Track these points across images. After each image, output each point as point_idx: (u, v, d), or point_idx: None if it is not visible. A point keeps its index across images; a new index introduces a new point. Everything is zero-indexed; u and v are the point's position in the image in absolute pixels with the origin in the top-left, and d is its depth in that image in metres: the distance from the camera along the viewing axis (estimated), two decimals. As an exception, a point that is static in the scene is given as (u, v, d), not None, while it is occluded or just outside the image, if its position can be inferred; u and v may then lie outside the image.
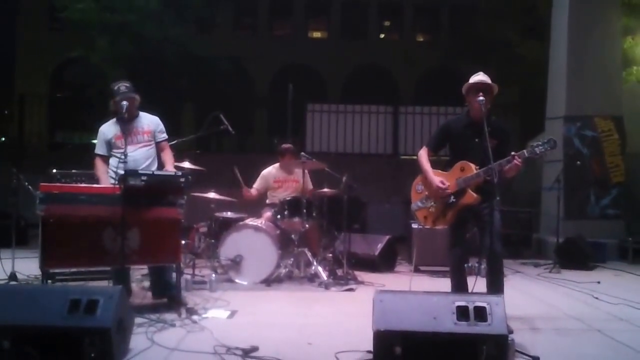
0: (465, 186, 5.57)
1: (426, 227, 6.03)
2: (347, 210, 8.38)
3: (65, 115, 25.98)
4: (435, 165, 5.92)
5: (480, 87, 5.69)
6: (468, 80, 5.86)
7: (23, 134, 19.40)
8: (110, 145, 6.50)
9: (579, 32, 11.62)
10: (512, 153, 5.41)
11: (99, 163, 6.54)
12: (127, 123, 6.47)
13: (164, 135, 6.74)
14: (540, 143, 5.44)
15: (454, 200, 5.63)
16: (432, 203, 5.79)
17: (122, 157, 5.89)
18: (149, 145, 6.62)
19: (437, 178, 5.72)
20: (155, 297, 6.59)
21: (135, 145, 6.50)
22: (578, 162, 11.23)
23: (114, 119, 6.58)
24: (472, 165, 5.55)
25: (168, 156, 6.68)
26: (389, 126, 15.99)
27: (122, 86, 6.49)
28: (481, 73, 5.86)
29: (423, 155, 5.96)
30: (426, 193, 5.85)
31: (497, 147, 5.45)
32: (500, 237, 5.55)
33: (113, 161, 6.41)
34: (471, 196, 5.55)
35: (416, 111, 16.00)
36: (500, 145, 5.54)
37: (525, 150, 5.45)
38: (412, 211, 6.02)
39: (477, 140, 5.55)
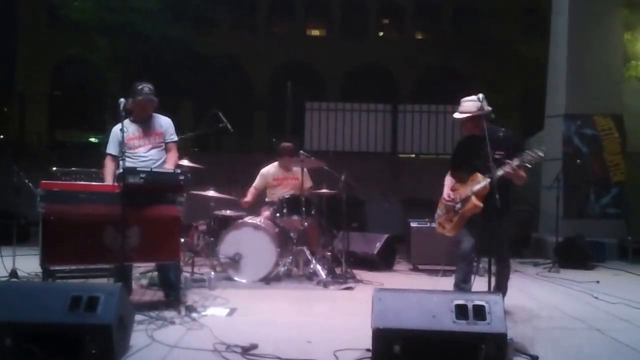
0: (471, 194, 5.84)
1: (443, 233, 6.31)
2: (345, 209, 8.39)
3: (65, 114, 25.98)
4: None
5: (462, 120, 6.08)
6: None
7: (23, 132, 19.40)
8: (122, 145, 6.47)
9: (579, 29, 11.61)
10: (506, 161, 5.70)
11: (108, 162, 6.53)
12: (141, 124, 6.56)
13: (174, 137, 6.76)
14: (530, 152, 5.64)
15: (459, 208, 5.97)
16: (445, 211, 6.19)
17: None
18: (160, 146, 6.65)
19: (446, 190, 6.19)
20: (167, 297, 6.46)
21: (148, 146, 6.56)
22: (578, 161, 11.22)
23: (128, 120, 6.57)
24: (480, 176, 5.81)
25: (172, 156, 6.68)
26: (388, 125, 15.96)
27: (146, 87, 6.51)
28: (464, 102, 6.06)
29: (447, 177, 6.39)
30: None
31: (505, 158, 5.75)
32: (507, 243, 6.07)
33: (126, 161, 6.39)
34: (473, 204, 5.78)
35: (415, 110, 15.97)
36: (507, 156, 5.79)
37: (516, 158, 5.68)
38: (435, 219, 6.46)
39: (482, 154, 5.71)
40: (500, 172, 5.64)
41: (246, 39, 27.76)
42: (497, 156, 5.68)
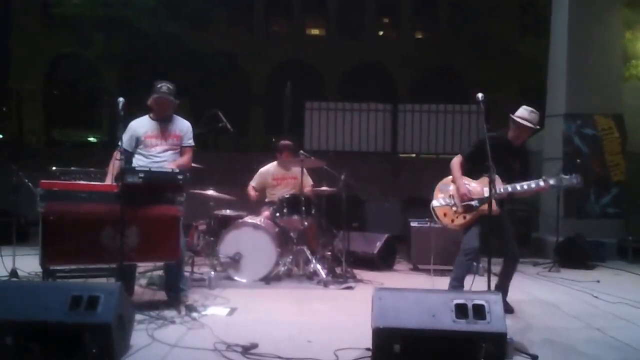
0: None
1: (442, 223, 6.33)
2: (345, 209, 8.39)
3: (62, 112, 25.93)
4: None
5: (525, 128, 6.16)
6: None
7: (22, 131, 19.37)
8: (137, 142, 6.45)
9: (579, 28, 11.58)
10: (543, 177, 5.94)
11: (117, 155, 6.33)
12: (162, 123, 6.51)
13: (191, 142, 6.69)
14: (568, 177, 5.88)
15: (477, 205, 6.02)
16: (455, 202, 6.19)
17: (122, 156, 5.90)
18: (177, 149, 6.58)
19: (465, 186, 6.17)
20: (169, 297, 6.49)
21: (164, 146, 6.49)
22: (578, 161, 11.18)
23: (148, 116, 6.56)
24: (500, 180, 5.84)
25: (181, 159, 6.57)
26: (387, 124, 15.91)
27: (164, 86, 6.48)
28: (531, 111, 6.21)
29: (456, 162, 6.38)
30: (451, 193, 6.25)
31: (520, 167, 6.10)
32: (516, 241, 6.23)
33: (136, 159, 6.38)
34: (495, 208, 5.74)
35: (415, 109, 15.93)
36: (521, 165, 6.13)
37: (554, 178, 5.92)
38: (432, 207, 6.36)
39: (507, 159, 5.93)
40: (533, 185, 5.89)
41: (244, 38, 27.77)
42: (516, 166, 6.02)
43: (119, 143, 6.21)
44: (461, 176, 6.25)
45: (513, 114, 6.19)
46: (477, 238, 6.06)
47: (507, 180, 5.94)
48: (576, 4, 11.66)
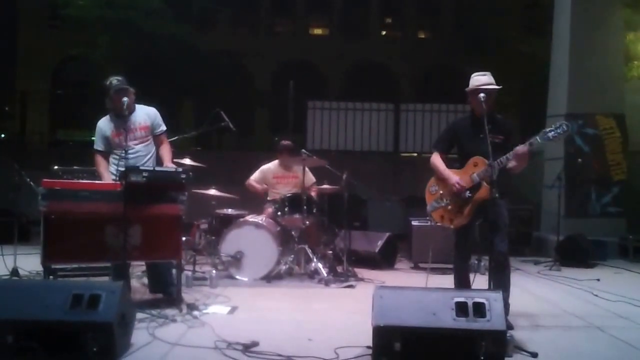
0: (480, 180, 5.58)
1: (444, 225, 5.98)
2: (347, 208, 8.39)
3: (66, 112, 25.96)
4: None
5: (483, 91, 5.72)
6: (471, 77, 5.95)
7: (24, 131, 19.40)
8: (108, 141, 6.37)
9: (581, 29, 11.57)
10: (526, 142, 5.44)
11: (99, 159, 6.40)
12: (123, 119, 6.18)
13: (163, 128, 6.57)
14: (552, 128, 5.45)
15: (470, 195, 5.65)
16: (448, 201, 5.80)
17: (122, 153, 5.91)
18: (147, 140, 6.49)
19: (454, 176, 5.72)
20: (153, 293, 6.62)
21: (134, 141, 6.35)
22: (579, 160, 11.21)
23: (108, 116, 6.44)
24: (485, 160, 5.48)
25: (166, 150, 6.52)
26: (390, 124, 15.91)
27: (114, 80, 6.30)
28: (486, 74, 5.93)
29: (436, 158, 5.96)
30: (441, 192, 5.86)
31: (503, 143, 5.58)
32: (506, 235, 5.64)
33: (112, 159, 6.38)
34: (487, 189, 5.49)
35: (417, 109, 15.93)
36: (506, 141, 5.65)
37: (537, 137, 5.47)
38: (428, 212, 5.99)
39: (482, 136, 5.47)
40: (512, 154, 5.45)
41: (248, 38, 27.75)
42: (497, 140, 5.51)
43: (95, 147, 6.33)
44: (445, 168, 5.83)
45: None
46: (461, 247, 5.92)
47: (493, 157, 5.35)
48: (578, 5, 11.66)
